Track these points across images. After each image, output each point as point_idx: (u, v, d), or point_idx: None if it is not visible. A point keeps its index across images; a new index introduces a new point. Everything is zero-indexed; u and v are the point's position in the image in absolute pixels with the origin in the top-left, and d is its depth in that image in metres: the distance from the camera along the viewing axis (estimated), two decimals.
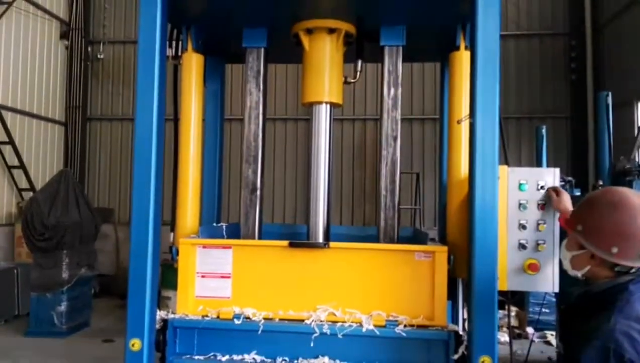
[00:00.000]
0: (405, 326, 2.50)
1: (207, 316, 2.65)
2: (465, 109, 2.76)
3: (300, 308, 2.61)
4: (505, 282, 2.51)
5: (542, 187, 2.58)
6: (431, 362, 2.53)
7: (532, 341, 6.60)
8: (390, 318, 2.54)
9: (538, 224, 2.55)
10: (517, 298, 7.45)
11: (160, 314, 2.62)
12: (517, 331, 7.28)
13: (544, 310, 7.04)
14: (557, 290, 2.52)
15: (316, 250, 2.70)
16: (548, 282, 2.51)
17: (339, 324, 2.52)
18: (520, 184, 2.58)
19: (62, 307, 7.11)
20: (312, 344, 2.53)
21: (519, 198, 2.58)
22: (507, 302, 2.66)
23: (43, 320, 7.06)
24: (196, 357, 2.62)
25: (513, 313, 7.26)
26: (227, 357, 2.60)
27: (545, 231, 2.54)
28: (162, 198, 2.61)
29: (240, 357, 2.59)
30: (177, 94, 3.13)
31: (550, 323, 7.15)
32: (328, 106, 2.98)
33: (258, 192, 2.99)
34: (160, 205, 2.60)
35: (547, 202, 2.55)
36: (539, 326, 7.03)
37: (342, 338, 2.50)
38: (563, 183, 5.63)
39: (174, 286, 2.81)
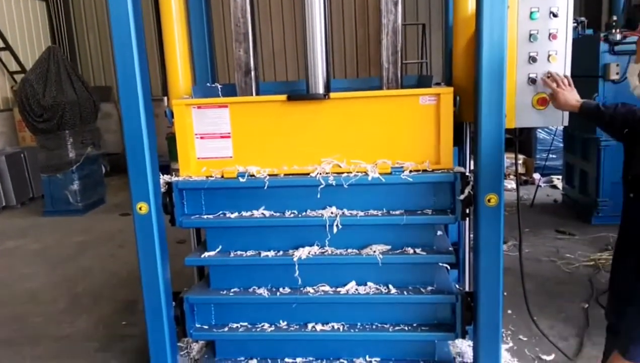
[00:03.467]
0: (410, 171, 2.47)
1: (211, 176, 2.62)
2: None
3: (305, 162, 2.57)
4: (513, 120, 2.41)
5: (554, 15, 2.36)
6: (437, 205, 2.54)
7: (538, 186, 6.75)
8: (396, 165, 2.50)
9: (549, 56, 2.37)
10: (525, 139, 7.45)
11: (164, 178, 2.60)
12: (524, 178, 7.41)
13: (551, 156, 7.09)
14: (566, 124, 2.43)
15: (316, 102, 2.58)
16: (557, 116, 2.40)
17: (344, 175, 2.49)
18: (531, 13, 2.37)
19: (75, 186, 7.24)
20: (318, 196, 2.52)
21: (529, 29, 2.38)
22: (514, 139, 2.58)
23: (58, 200, 7.25)
24: (205, 216, 2.64)
25: (520, 161, 7.33)
26: (235, 214, 2.62)
27: (557, 62, 2.37)
28: (146, 60, 2.45)
29: (249, 213, 2.61)
30: None
31: (557, 168, 7.25)
32: None
33: (252, 73, 2.76)
34: (146, 64, 2.44)
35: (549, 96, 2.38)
36: (546, 171, 7.13)
37: (348, 189, 2.49)
38: (575, 24, 5.30)
39: None
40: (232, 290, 2.68)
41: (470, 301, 2.49)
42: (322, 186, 2.49)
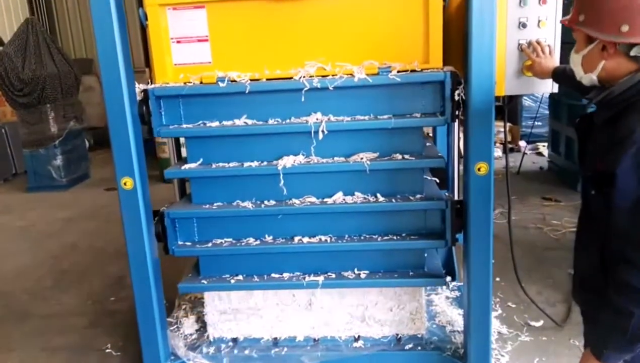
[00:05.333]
0: (399, 72, 2.34)
1: (189, 82, 2.47)
2: None
3: (288, 66, 2.43)
4: (503, 87, 2.37)
5: None
6: (427, 108, 2.42)
7: (524, 153, 6.77)
8: (383, 66, 2.36)
9: (539, 21, 2.32)
10: (512, 106, 7.43)
11: (139, 86, 2.44)
12: (510, 145, 7.42)
13: (536, 123, 7.10)
14: (555, 90, 2.39)
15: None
16: (547, 82, 2.36)
17: (329, 77, 2.35)
18: None
19: (58, 161, 7.11)
20: (302, 100, 2.39)
21: None
22: (504, 106, 2.54)
23: (41, 175, 7.12)
24: (184, 126, 2.51)
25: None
26: (216, 123, 2.49)
27: (547, 28, 2.32)
28: (127, 30, 2.34)
29: (230, 122, 2.49)
30: None
31: (542, 135, 7.27)
32: None
33: None
34: (126, 33, 2.33)
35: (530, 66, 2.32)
36: (531, 139, 7.15)
37: (334, 94, 2.37)
38: None
39: None
40: (215, 205, 2.59)
41: (460, 208, 2.43)
42: (306, 89, 2.35)
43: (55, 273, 4.45)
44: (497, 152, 6.79)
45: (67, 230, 5.56)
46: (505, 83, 2.37)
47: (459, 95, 2.31)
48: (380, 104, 2.43)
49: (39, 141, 7.00)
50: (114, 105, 2.35)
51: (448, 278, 3.49)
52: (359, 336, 2.75)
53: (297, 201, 2.53)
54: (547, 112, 6.82)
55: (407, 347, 2.69)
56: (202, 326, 2.93)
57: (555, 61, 2.27)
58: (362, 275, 2.58)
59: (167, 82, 2.49)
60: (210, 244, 2.61)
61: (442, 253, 3.58)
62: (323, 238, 2.56)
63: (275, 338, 2.77)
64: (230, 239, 2.63)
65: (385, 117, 2.42)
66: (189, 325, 2.94)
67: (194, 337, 2.88)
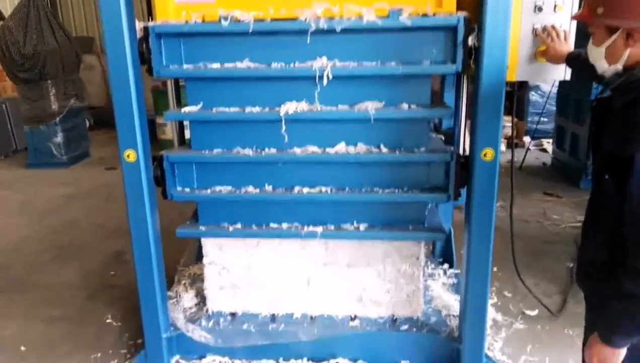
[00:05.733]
0: (410, 15, 2.23)
1: (191, 20, 2.39)
2: None
3: (293, 6, 2.34)
4: (514, 73, 2.37)
5: None
6: (437, 57, 2.34)
7: (528, 149, 6.78)
8: (394, 8, 2.27)
9: (555, 6, 2.31)
10: (519, 100, 7.42)
11: (139, 24, 2.37)
12: (514, 141, 7.40)
13: (542, 119, 7.09)
14: (568, 78, 2.39)
15: None
16: (559, 69, 2.36)
17: (337, 19, 2.28)
18: None
19: (59, 138, 7.09)
20: (308, 41, 2.32)
21: None
22: (514, 93, 2.54)
23: (42, 152, 7.11)
24: (185, 67, 2.46)
25: (509, 124, 7.31)
26: (217, 65, 2.44)
27: (563, 13, 2.31)
28: None
29: (232, 64, 2.43)
30: None
31: (547, 132, 7.27)
32: None
33: None
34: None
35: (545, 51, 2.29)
36: (536, 135, 7.16)
37: (341, 37, 2.30)
38: None
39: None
40: (214, 151, 2.55)
41: (465, 163, 2.38)
42: (312, 29, 2.26)
43: (55, 247, 4.46)
44: (501, 146, 6.79)
45: (67, 206, 5.57)
46: (517, 68, 2.36)
47: (472, 41, 2.20)
48: (388, 50, 2.34)
49: (39, 118, 6.97)
50: (119, 76, 2.31)
51: (445, 266, 3.52)
52: (355, 316, 2.77)
53: (298, 150, 2.50)
54: (553, 108, 6.81)
55: (402, 328, 2.71)
56: (201, 301, 2.95)
57: (569, 46, 2.25)
58: (362, 228, 2.56)
59: (168, 20, 2.42)
60: (209, 191, 2.57)
61: (441, 241, 3.61)
62: (323, 189, 2.52)
63: (273, 315, 2.79)
64: (229, 187, 2.58)
65: (393, 64, 2.34)
66: (188, 299, 2.96)
67: (193, 310, 2.90)
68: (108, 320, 3.24)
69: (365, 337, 2.69)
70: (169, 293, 2.95)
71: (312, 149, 2.50)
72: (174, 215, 3.60)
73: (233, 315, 2.82)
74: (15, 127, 7.87)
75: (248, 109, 2.47)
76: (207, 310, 2.84)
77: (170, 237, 2.68)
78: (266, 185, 2.57)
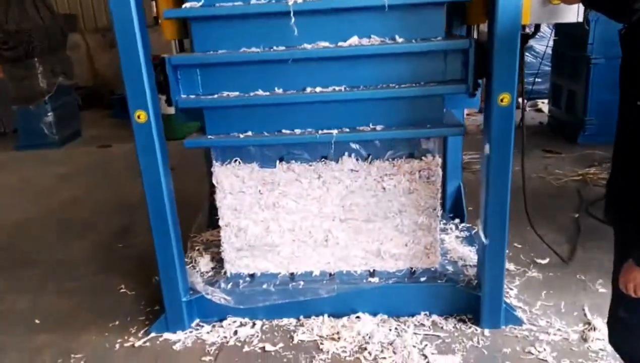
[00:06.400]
0: None
1: None
2: None
3: None
4: (528, 16, 2.34)
5: None
6: None
7: (524, 110, 6.77)
8: None
9: None
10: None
11: None
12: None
13: (537, 80, 7.08)
14: (581, 19, 2.37)
15: None
16: (572, 10, 2.34)
17: None
18: None
19: (50, 118, 6.95)
20: None
21: None
22: (528, 37, 2.52)
23: (33, 133, 6.95)
24: None
25: None
26: None
27: None
28: None
29: None
30: None
31: (542, 92, 7.28)
32: None
33: None
34: None
35: None
36: (531, 96, 7.16)
37: None
38: None
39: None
40: (219, 52, 2.42)
41: (484, 50, 2.29)
42: None
43: (59, 224, 4.41)
44: None
45: (64, 185, 5.48)
46: (530, 11, 2.34)
47: None
48: None
49: (28, 97, 6.81)
50: (126, 34, 2.26)
51: (456, 220, 3.54)
52: (374, 270, 2.78)
53: (308, 46, 2.37)
54: (547, 68, 6.81)
55: (421, 280, 2.73)
56: (218, 265, 2.94)
57: None
58: (378, 128, 2.48)
59: None
60: (215, 96, 2.45)
61: (451, 195, 3.62)
62: (337, 88, 2.41)
63: (292, 274, 2.80)
64: (237, 93, 2.45)
65: None
66: (204, 263, 2.96)
67: (210, 274, 2.90)
68: (122, 290, 3.23)
69: (384, 290, 2.72)
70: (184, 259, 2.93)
71: (323, 44, 2.39)
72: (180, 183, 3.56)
73: (252, 276, 2.81)
74: (2, 109, 7.68)
75: (253, 0, 2.34)
76: (225, 273, 2.83)
77: (179, 207, 2.64)
78: (276, 88, 2.43)
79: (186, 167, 4.57)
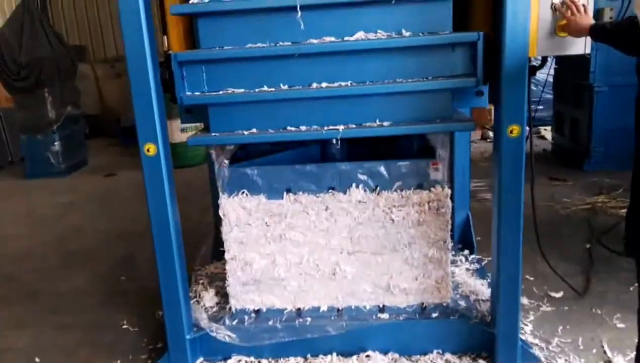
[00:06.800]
0: None
1: None
2: None
3: None
4: (535, 48, 2.32)
5: None
6: None
7: (527, 136, 6.76)
8: None
9: None
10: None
11: None
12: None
13: (539, 107, 7.08)
14: (588, 51, 2.35)
15: None
16: (579, 42, 2.32)
17: None
18: None
19: (57, 147, 6.98)
20: None
21: None
22: (535, 69, 2.50)
23: (40, 162, 6.97)
24: None
25: None
26: None
27: None
28: None
29: None
30: None
31: (544, 119, 7.27)
32: None
33: None
34: None
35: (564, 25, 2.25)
36: (534, 123, 7.14)
37: None
38: None
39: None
40: (225, 48, 2.39)
41: (493, 45, 2.24)
42: None
43: (62, 254, 4.36)
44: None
45: (70, 214, 5.46)
46: (537, 43, 2.32)
47: None
48: None
49: (37, 126, 6.86)
50: (137, 67, 2.25)
51: (466, 252, 3.47)
52: (383, 305, 2.71)
53: (314, 41, 2.34)
54: (549, 96, 6.82)
55: (433, 316, 2.65)
56: (222, 299, 2.87)
57: (590, 19, 2.23)
58: (385, 125, 2.38)
59: None
60: (220, 92, 2.40)
61: (460, 225, 3.56)
62: (343, 83, 2.35)
63: (299, 309, 2.72)
64: (242, 90, 2.39)
65: None
66: (208, 298, 2.89)
67: (215, 309, 2.83)
68: (124, 326, 3.15)
69: (395, 327, 2.63)
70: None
71: (329, 39, 2.35)
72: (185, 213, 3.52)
73: (257, 312, 2.74)
74: (10, 138, 7.74)
75: None
76: (229, 309, 2.76)
77: (184, 237, 2.60)
78: (281, 84, 2.38)
79: (191, 196, 4.55)
